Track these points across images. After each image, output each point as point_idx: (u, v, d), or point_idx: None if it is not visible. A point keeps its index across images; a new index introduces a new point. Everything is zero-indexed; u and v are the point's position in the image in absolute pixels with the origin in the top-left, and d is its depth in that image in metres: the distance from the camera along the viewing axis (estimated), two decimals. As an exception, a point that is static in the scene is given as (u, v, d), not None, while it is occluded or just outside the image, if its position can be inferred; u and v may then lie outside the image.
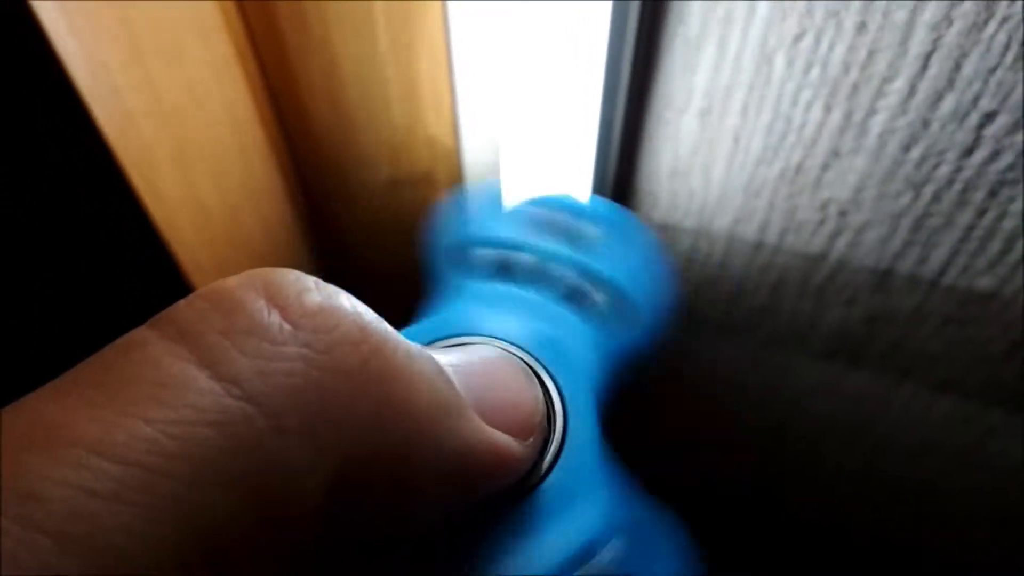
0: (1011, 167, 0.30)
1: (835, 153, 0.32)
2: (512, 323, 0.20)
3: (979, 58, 0.28)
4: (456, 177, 0.39)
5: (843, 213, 0.34)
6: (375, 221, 0.43)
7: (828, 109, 0.31)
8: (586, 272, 0.24)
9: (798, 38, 0.29)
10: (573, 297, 0.23)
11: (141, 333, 0.12)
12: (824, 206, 0.34)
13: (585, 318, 0.23)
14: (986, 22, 0.27)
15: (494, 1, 0.33)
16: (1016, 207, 0.31)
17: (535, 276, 0.24)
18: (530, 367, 0.19)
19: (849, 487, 0.48)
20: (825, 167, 0.33)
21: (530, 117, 0.34)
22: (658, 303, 0.25)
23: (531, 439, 0.17)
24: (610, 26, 0.29)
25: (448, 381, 0.15)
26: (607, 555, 0.18)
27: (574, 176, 0.35)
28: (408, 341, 0.14)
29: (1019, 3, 0.26)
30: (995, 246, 0.33)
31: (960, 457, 0.42)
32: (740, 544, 0.58)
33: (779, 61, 0.30)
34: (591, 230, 0.26)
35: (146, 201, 0.31)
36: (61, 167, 0.29)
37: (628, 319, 0.24)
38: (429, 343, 0.19)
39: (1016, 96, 0.28)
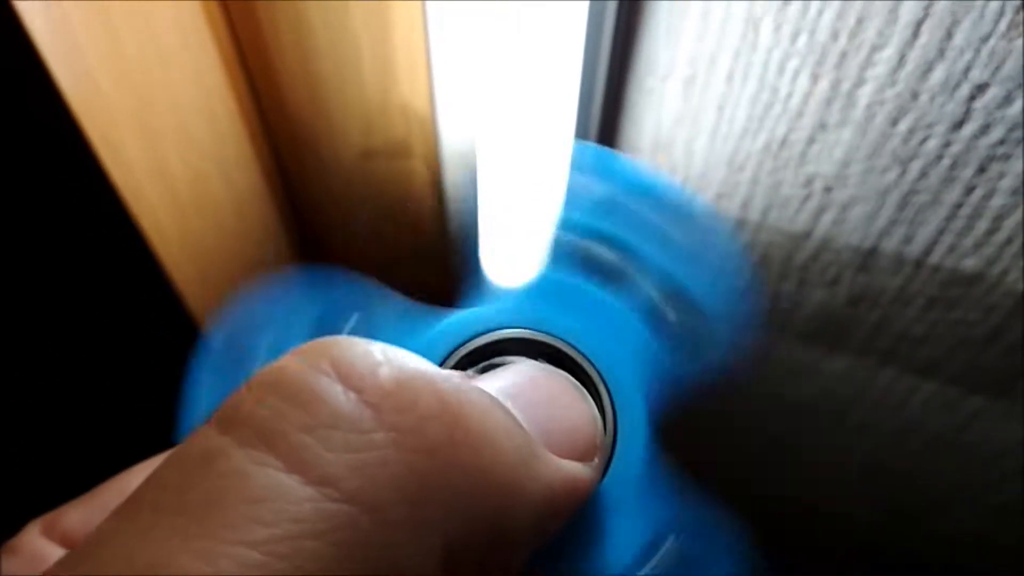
0: (1001, 142, 0.29)
1: (821, 126, 0.31)
2: (558, 317, 0.19)
3: (971, 26, 0.27)
4: (431, 147, 0.38)
5: (828, 189, 0.33)
6: (348, 191, 0.41)
7: (815, 79, 0.30)
8: (662, 281, 0.20)
9: (786, 2, 0.28)
10: (642, 306, 0.20)
11: (213, 440, 0.11)
12: (809, 181, 0.33)
13: (650, 331, 0.20)
14: (980, -13, 0.26)
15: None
16: (1005, 184, 0.30)
17: (591, 266, 0.21)
18: (575, 363, 0.18)
19: (828, 471, 0.48)
20: (811, 140, 0.32)
21: (508, 86, 0.33)
22: (739, 329, 0.21)
23: (595, 459, 0.16)
24: (592, -13, 0.28)
25: (518, 424, 0.14)
26: (664, 555, 0.18)
27: (553, 148, 0.34)
28: (475, 390, 0.14)
29: (1014, -33, 0.25)
30: (982, 225, 0.32)
31: (941, 442, 0.41)
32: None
33: (766, 26, 0.29)
34: (672, 227, 0.21)
35: (107, 163, 0.30)
36: (14, 120, 0.28)
37: (701, 346, 0.21)
38: (468, 338, 0.19)
39: (1008, 67, 0.27)
